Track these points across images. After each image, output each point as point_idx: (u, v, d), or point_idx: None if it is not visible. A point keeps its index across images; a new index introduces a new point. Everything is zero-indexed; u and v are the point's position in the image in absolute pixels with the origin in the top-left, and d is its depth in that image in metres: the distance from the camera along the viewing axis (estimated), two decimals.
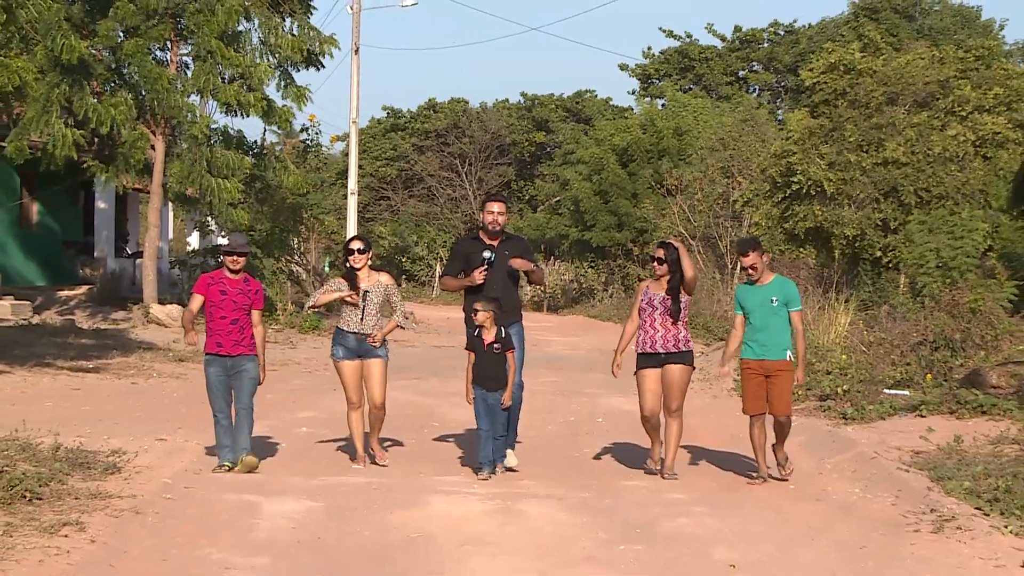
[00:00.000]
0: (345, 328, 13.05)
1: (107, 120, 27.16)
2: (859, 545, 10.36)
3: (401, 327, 13.63)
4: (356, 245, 13.20)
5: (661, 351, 12.67)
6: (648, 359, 12.76)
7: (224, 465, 12.52)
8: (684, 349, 12.72)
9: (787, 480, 12.83)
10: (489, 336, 12.48)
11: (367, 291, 12.99)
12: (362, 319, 12.96)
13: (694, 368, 13.15)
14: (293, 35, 29.85)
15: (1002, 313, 23.81)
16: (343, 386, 13.22)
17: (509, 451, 13.10)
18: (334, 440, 14.79)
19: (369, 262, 13.28)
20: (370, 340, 12.87)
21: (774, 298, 12.52)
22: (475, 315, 12.53)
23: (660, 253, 12.73)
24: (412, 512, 11.28)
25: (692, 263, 12.99)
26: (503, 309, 12.80)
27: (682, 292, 12.65)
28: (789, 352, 12.60)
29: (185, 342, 13.23)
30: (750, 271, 12.71)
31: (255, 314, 12.70)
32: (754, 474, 12.85)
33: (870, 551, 10.20)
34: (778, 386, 12.56)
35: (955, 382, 19.25)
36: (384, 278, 13.46)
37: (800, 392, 15.18)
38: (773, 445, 12.88)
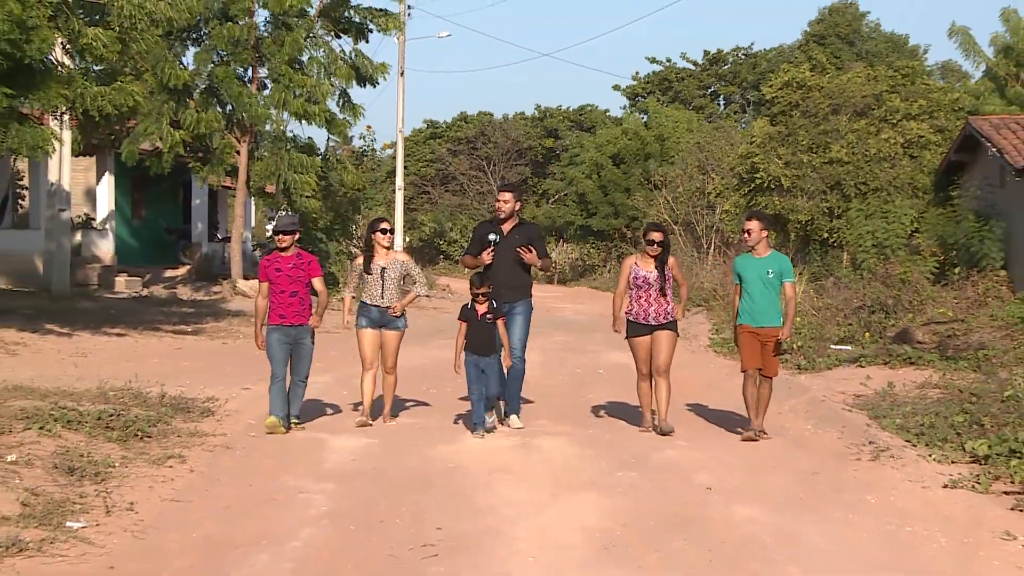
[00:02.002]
0: (368, 301, 12.11)
1: (203, 127, 27.26)
2: (812, 471, 10.35)
3: (422, 295, 12.86)
4: (384, 226, 12.26)
5: (653, 323, 11.84)
6: (640, 328, 11.90)
7: (275, 419, 11.58)
8: (670, 320, 11.95)
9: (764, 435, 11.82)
10: (482, 308, 11.61)
11: (384, 268, 12.06)
12: (382, 294, 12.03)
13: (678, 335, 12.42)
14: (350, 61, 29.77)
15: (926, 283, 23.76)
16: (360, 350, 12.27)
17: (514, 416, 12.25)
18: None
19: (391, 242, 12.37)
20: (391, 312, 12.08)
21: (770, 270, 11.70)
22: (475, 286, 11.62)
23: (657, 236, 11.90)
24: (450, 447, 11.28)
25: (682, 277, 12.41)
26: (510, 286, 12.10)
27: (667, 268, 11.94)
28: (781, 319, 11.90)
29: (257, 344, 12.16)
30: (745, 235, 11.85)
31: (316, 282, 11.88)
32: (742, 429, 12.13)
33: (821, 476, 10.19)
34: (771, 351, 11.76)
35: (888, 339, 19.22)
36: (402, 256, 12.54)
37: None
38: (760, 406, 11.94)
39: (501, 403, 12.25)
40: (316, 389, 14.37)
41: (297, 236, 12.01)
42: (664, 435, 11.85)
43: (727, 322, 24.05)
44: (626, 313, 12.07)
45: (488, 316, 11.56)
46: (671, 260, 12.02)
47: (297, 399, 11.92)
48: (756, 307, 11.73)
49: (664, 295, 11.89)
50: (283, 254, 11.79)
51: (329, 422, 12.61)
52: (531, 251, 12.18)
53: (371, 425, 12.08)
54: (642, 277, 11.86)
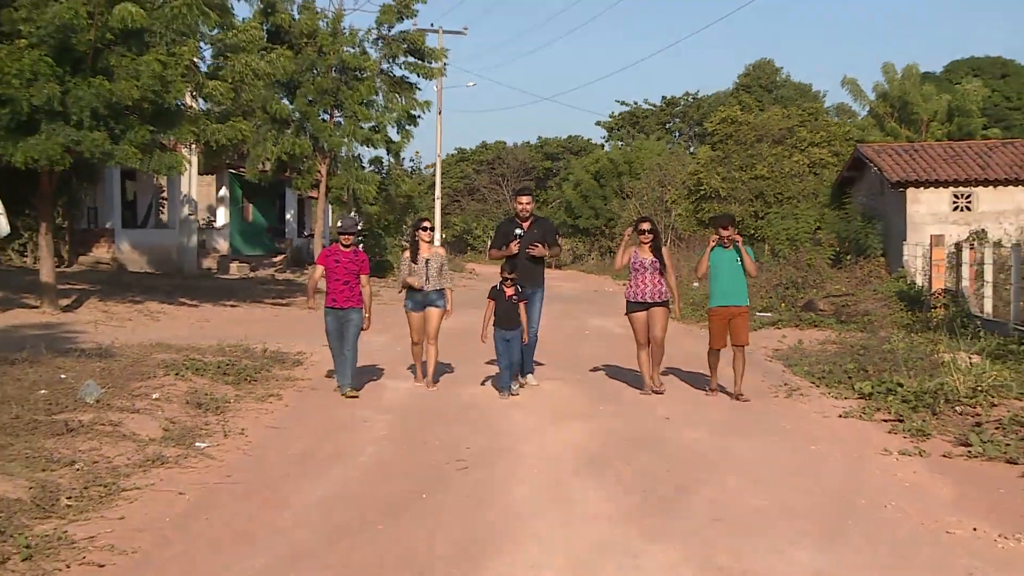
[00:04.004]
0: (415, 287, 11.09)
1: (296, 150, 27.27)
2: (743, 405, 10.33)
3: (450, 288, 11.42)
4: (427, 224, 11.30)
5: (649, 300, 10.69)
6: (638, 306, 10.77)
7: (343, 387, 10.60)
8: (664, 299, 10.75)
9: (744, 399, 10.57)
10: (510, 291, 10.61)
11: (428, 259, 11.03)
12: (427, 279, 10.98)
13: (670, 310, 10.99)
14: (402, 105, 29.65)
15: (826, 266, 23.77)
16: (410, 328, 11.30)
17: (530, 375, 11.48)
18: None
19: (432, 238, 11.34)
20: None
21: (738, 259, 10.60)
22: (505, 272, 10.67)
23: (647, 226, 10.89)
24: (477, 388, 11.28)
25: (672, 265, 11.04)
26: (530, 273, 11.07)
27: (662, 254, 10.84)
28: (745, 299, 10.77)
29: (307, 307, 10.94)
30: (725, 240, 10.67)
31: (363, 277, 10.67)
32: (707, 388, 11.00)
33: (749, 407, 10.18)
34: (739, 324, 10.61)
35: (798, 308, 19.21)
36: (441, 250, 11.39)
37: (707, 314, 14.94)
38: (738, 374, 10.75)
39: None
40: (376, 346, 14.39)
41: (357, 236, 11.02)
42: (656, 394, 10.78)
43: (680, 296, 23.99)
44: (626, 294, 11.04)
45: (514, 298, 10.74)
46: (665, 249, 10.98)
47: (349, 367, 10.64)
48: (725, 289, 10.64)
49: (661, 275, 10.75)
50: (343, 248, 10.71)
51: (387, 370, 12.56)
52: (537, 246, 11.19)
53: (423, 382, 11.28)
54: (639, 261, 10.88)
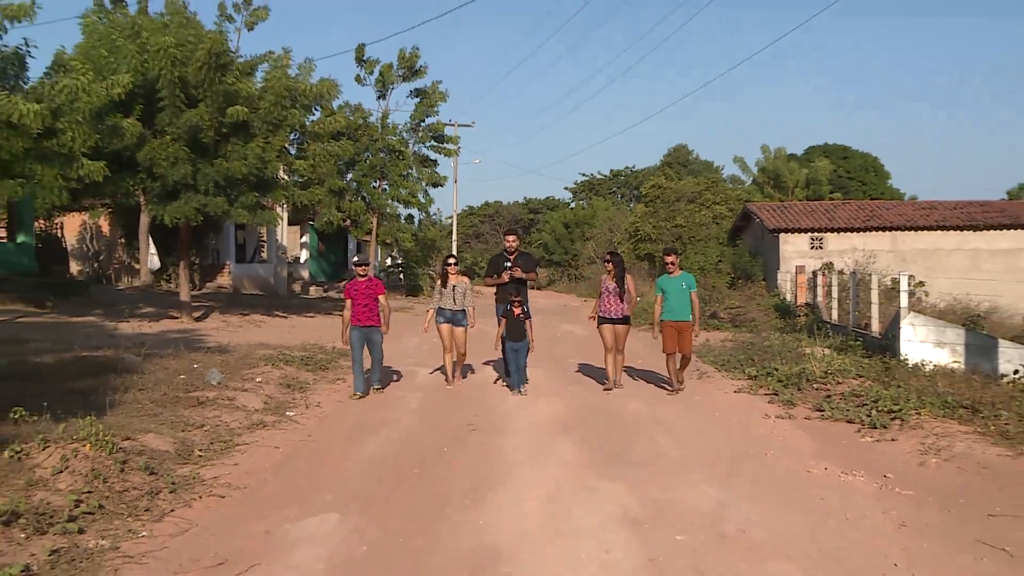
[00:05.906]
0: (444, 307, 9.98)
1: (352, 211, 27.27)
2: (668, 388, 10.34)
3: (472, 307, 10.37)
4: (452, 260, 10.26)
5: (614, 317, 9.84)
6: (605, 321, 9.88)
7: (356, 393, 9.28)
8: (625, 316, 9.84)
9: (682, 389, 9.87)
10: (517, 311, 9.81)
11: (455, 285, 10.05)
12: (454, 302, 9.98)
13: (630, 326, 10.11)
14: (429, 173, 29.67)
15: (725, 287, 23.83)
16: (441, 340, 10.21)
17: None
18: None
19: (457, 269, 10.47)
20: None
21: (683, 284, 9.65)
22: (512, 296, 9.97)
23: (608, 257, 10.18)
24: (483, 376, 11.26)
25: (634, 289, 10.11)
26: (517, 294, 10.15)
27: (624, 282, 9.88)
28: (691, 315, 9.67)
29: (342, 342, 9.79)
30: (669, 265, 9.79)
31: (381, 298, 9.61)
32: (668, 387, 10.03)
33: (672, 387, 10.15)
34: (685, 336, 9.60)
35: (706, 316, 19.22)
36: (464, 279, 10.28)
37: (652, 328, 14.94)
38: (679, 371, 9.84)
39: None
40: (408, 345, 14.37)
41: (369, 267, 9.94)
42: (618, 388, 9.99)
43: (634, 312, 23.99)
44: (598, 311, 10.12)
45: (520, 316, 10.04)
46: (628, 278, 10.02)
47: (376, 372, 9.67)
48: (673, 307, 9.69)
49: (621, 300, 9.86)
50: (360, 279, 9.63)
51: (417, 362, 12.54)
52: (518, 268, 10.37)
53: (452, 385, 10.20)
54: (606, 287, 9.96)
